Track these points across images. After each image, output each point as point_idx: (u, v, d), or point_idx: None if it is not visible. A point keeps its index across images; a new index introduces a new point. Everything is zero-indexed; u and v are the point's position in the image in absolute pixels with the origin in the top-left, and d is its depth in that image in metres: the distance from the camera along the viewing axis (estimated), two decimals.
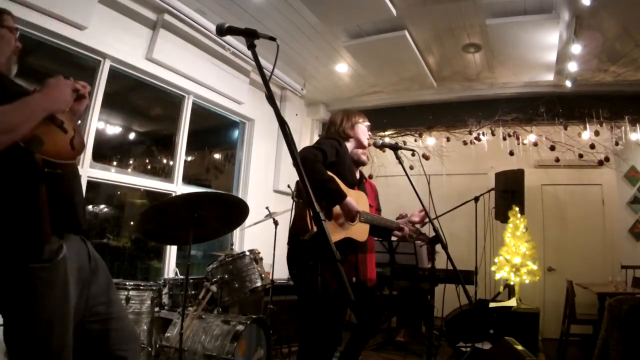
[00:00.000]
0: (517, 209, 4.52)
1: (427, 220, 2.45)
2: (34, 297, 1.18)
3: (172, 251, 3.87)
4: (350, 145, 2.42)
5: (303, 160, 1.96)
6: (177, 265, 3.80)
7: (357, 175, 2.49)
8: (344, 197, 2.04)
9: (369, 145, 2.57)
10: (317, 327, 1.97)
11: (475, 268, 4.36)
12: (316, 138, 5.86)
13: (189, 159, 4.42)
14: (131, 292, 2.46)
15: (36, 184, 1.22)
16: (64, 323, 1.23)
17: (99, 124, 3.29)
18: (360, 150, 2.45)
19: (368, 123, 2.50)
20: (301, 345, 2.12)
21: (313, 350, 1.98)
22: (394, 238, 2.49)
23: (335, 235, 2.07)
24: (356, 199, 2.23)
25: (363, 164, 2.49)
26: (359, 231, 2.22)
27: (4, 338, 1.19)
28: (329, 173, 2.07)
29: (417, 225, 2.52)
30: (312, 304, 2.01)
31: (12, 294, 1.18)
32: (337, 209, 2.08)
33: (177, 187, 3.98)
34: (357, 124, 2.43)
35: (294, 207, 2.33)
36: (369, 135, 2.51)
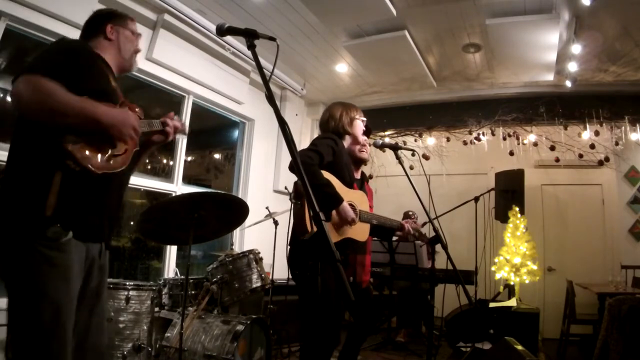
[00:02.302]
0: (517, 209, 4.52)
1: (426, 220, 2.45)
2: (37, 274, 1.24)
3: (172, 251, 3.87)
4: (346, 142, 2.40)
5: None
6: (177, 265, 3.81)
7: (359, 176, 2.48)
8: (340, 201, 2.03)
9: (369, 145, 2.55)
10: (318, 327, 1.97)
11: (475, 268, 4.36)
12: None
13: (189, 159, 4.42)
14: (131, 292, 2.46)
15: (53, 169, 1.28)
16: (63, 302, 1.27)
17: None
18: (358, 147, 2.43)
19: (364, 118, 2.48)
20: (303, 345, 2.11)
21: (315, 350, 1.98)
22: (394, 238, 2.48)
23: (336, 236, 2.07)
24: (356, 199, 2.22)
25: (364, 161, 2.47)
26: (359, 231, 2.21)
27: (7, 316, 1.25)
28: (326, 176, 2.05)
29: (418, 225, 2.52)
30: (312, 304, 2.01)
31: (17, 270, 1.25)
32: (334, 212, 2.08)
33: (177, 187, 3.98)
34: (355, 120, 2.40)
35: (292, 208, 2.33)
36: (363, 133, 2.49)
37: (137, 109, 1.56)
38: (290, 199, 2.60)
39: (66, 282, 1.29)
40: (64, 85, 1.25)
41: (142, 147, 1.63)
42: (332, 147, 2.18)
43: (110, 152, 1.37)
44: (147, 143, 1.65)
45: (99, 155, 1.33)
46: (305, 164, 1.96)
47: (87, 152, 1.30)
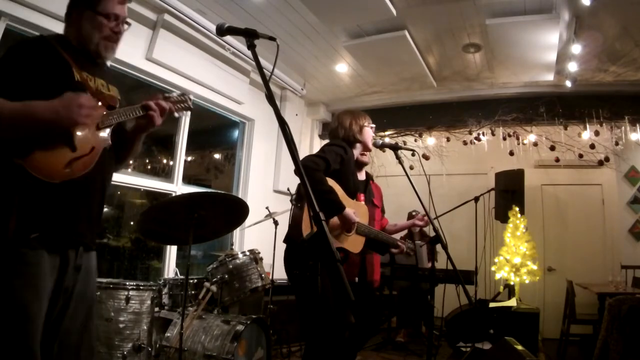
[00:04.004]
0: (517, 209, 4.52)
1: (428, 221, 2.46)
2: (8, 273, 1.21)
3: (172, 251, 3.87)
4: (356, 150, 2.40)
5: (304, 169, 1.96)
6: (177, 265, 3.80)
7: (363, 177, 2.48)
8: (342, 208, 2.03)
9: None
10: (318, 327, 1.97)
11: (475, 268, 4.36)
12: (316, 138, 5.87)
13: (189, 159, 4.42)
14: (131, 292, 2.46)
15: (11, 191, 1.23)
16: (34, 299, 1.23)
17: None
18: (360, 153, 2.45)
19: (373, 125, 2.49)
20: (307, 346, 2.11)
21: (319, 351, 1.98)
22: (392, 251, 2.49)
23: None
24: (355, 210, 2.22)
25: (365, 164, 2.48)
26: (354, 243, 2.21)
27: None
28: (330, 183, 2.05)
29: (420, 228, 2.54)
30: (312, 304, 2.01)
31: None
32: (334, 220, 2.07)
33: (177, 187, 3.98)
34: (364, 128, 2.41)
35: (291, 210, 2.34)
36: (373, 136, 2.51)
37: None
38: (291, 200, 2.61)
39: (34, 279, 1.24)
40: (10, 96, 1.19)
41: (132, 132, 1.54)
42: (340, 155, 2.19)
43: (70, 156, 1.27)
44: (134, 131, 1.54)
45: (58, 163, 1.25)
46: (309, 169, 1.98)
47: (42, 162, 1.22)
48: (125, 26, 1.50)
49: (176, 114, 1.57)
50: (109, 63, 1.66)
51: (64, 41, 1.42)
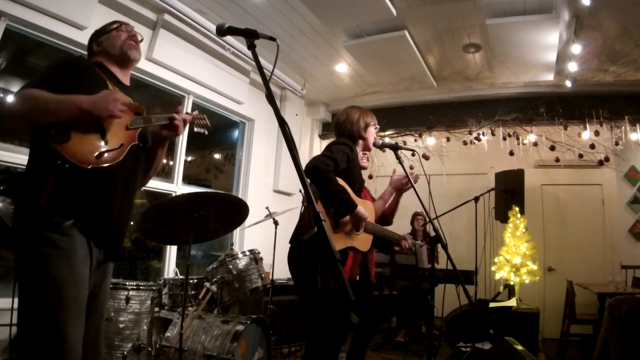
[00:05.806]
0: (517, 209, 4.51)
1: (427, 220, 2.46)
2: (42, 256, 1.31)
3: (172, 251, 3.87)
4: (359, 147, 2.41)
5: (315, 169, 1.98)
6: (177, 265, 3.81)
7: None
8: (354, 207, 2.04)
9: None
10: (320, 327, 1.97)
11: (475, 268, 4.36)
12: (316, 138, 5.87)
13: (189, 159, 4.42)
14: (131, 292, 2.46)
15: (47, 171, 1.36)
16: (67, 281, 1.32)
17: None
18: (361, 154, 2.45)
19: (378, 126, 2.49)
20: (307, 346, 2.12)
21: (319, 350, 1.98)
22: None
23: (340, 243, 2.07)
24: (363, 208, 2.23)
25: (363, 168, 2.49)
26: (363, 241, 2.23)
27: (19, 304, 1.31)
28: (341, 183, 2.06)
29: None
30: (313, 303, 2.01)
31: (25, 255, 1.33)
32: (345, 218, 2.08)
33: (177, 187, 3.98)
34: (369, 126, 2.41)
35: (302, 210, 2.33)
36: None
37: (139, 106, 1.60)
38: (303, 202, 2.60)
39: (69, 263, 1.33)
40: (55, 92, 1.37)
41: (154, 143, 1.68)
42: (347, 154, 2.19)
43: (102, 148, 1.41)
44: (157, 139, 1.69)
45: (90, 152, 1.38)
46: (321, 170, 1.99)
47: (76, 150, 1.36)
48: (139, 37, 1.74)
49: (195, 129, 1.82)
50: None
51: (100, 64, 1.64)
